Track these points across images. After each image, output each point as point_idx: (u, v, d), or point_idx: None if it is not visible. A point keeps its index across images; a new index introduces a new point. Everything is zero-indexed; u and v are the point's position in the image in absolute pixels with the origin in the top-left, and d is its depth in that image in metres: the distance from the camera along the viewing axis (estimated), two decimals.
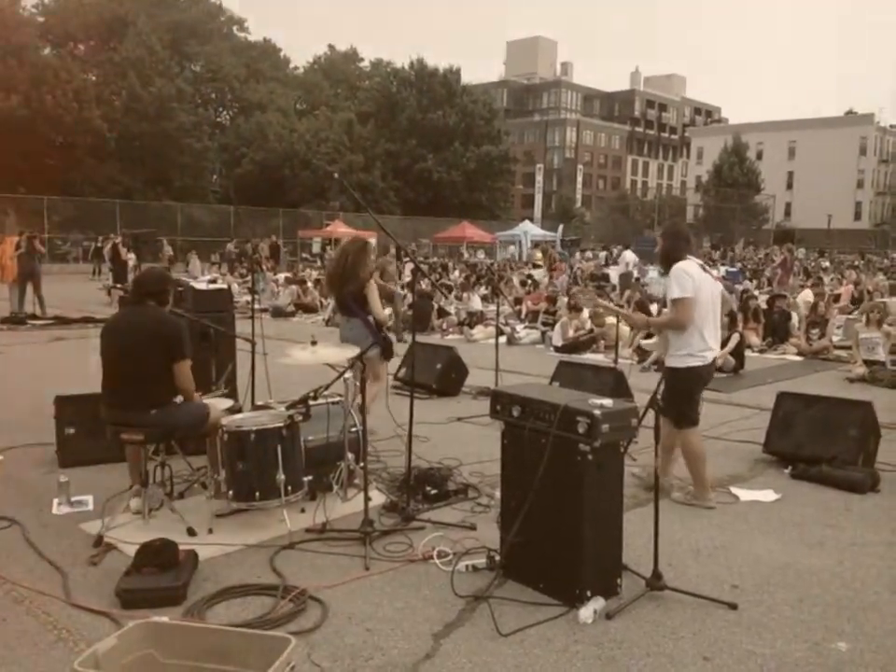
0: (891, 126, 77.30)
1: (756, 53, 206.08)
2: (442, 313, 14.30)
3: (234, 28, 56.88)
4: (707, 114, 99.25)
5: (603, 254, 31.13)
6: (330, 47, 62.09)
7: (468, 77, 58.55)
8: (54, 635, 3.23)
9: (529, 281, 18.57)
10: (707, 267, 5.06)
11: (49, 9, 48.45)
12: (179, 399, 4.41)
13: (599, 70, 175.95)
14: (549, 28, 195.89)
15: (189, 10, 53.02)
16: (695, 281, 4.67)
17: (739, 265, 28.41)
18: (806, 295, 14.33)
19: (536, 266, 27.09)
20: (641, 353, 10.35)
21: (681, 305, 4.66)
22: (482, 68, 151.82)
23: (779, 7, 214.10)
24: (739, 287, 17.85)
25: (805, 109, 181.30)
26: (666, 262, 4.85)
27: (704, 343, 4.75)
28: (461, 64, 74.83)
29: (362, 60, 62.76)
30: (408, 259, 5.89)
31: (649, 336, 10.15)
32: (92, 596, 3.53)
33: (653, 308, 11.52)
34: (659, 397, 3.95)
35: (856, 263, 30.66)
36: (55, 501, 4.69)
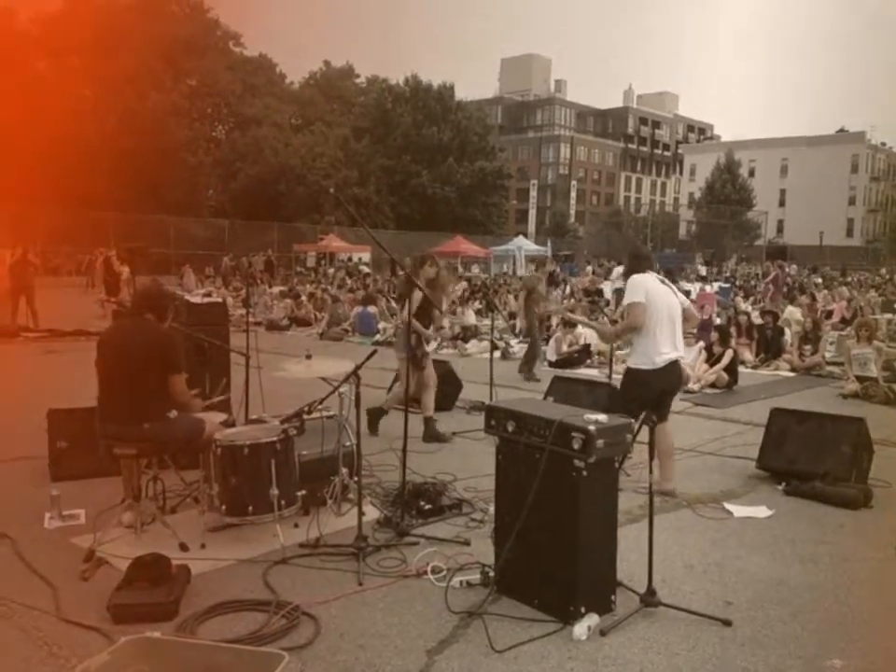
0: (882, 144, 78.03)
1: (748, 71, 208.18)
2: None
3: (230, 43, 57.00)
4: (699, 131, 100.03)
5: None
6: (326, 63, 62.30)
7: (463, 94, 58.97)
8: (45, 650, 3.20)
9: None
10: (668, 281, 5.45)
11: (44, 23, 48.52)
12: (173, 413, 4.38)
13: (593, 87, 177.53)
14: (543, 46, 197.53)
15: (186, 25, 53.14)
16: (648, 289, 5.10)
17: (730, 283, 28.55)
18: (794, 312, 14.39)
19: None
20: None
21: (633, 308, 5.07)
22: (477, 85, 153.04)
23: (771, 26, 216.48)
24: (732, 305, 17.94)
25: (797, 127, 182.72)
26: (627, 276, 5.39)
27: (656, 349, 5.04)
28: (456, 81, 75.39)
29: (358, 76, 63.02)
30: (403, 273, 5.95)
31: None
32: (84, 611, 3.50)
33: None
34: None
35: (846, 280, 30.82)
36: (47, 515, 4.66)
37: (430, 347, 6.77)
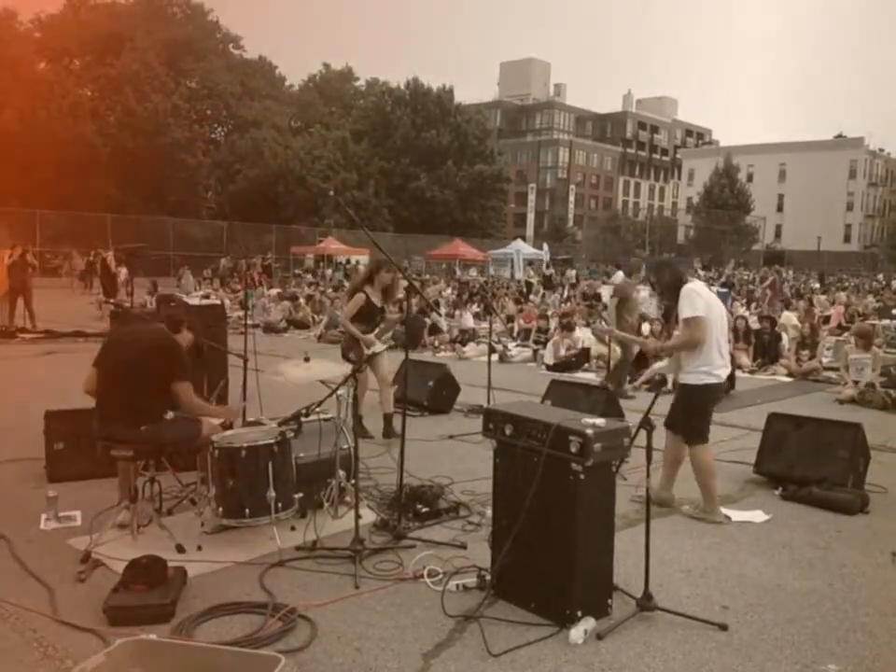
0: (881, 150, 78.25)
1: (747, 76, 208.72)
2: (434, 330, 14.31)
3: (230, 46, 57.15)
4: (698, 136, 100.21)
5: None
6: (326, 65, 62.44)
7: (462, 97, 59.07)
8: (40, 652, 3.20)
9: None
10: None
11: (45, 25, 48.60)
12: (170, 415, 4.38)
13: (592, 92, 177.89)
14: (542, 50, 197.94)
15: (186, 27, 53.26)
16: (707, 301, 4.85)
17: (728, 288, 28.57)
18: (791, 317, 14.41)
19: (528, 283, 27.29)
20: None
21: (695, 323, 4.76)
22: (476, 89, 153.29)
23: (771, 31, 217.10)
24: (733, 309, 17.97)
25: (795, 132, 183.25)
26: (674, 288, 4.93)
27: (721, 360, 4.88)
28: (455, 85, 75.22)
29: (357, 79, 63.17)
30: (402, 275, 5.90)
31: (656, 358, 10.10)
32: (80, 613, 3.50)
33: (645, 326, 11.54)
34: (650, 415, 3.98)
35: (825, 287, 30.85)
36: (43, 516, 4.65)
37: (375, 350, 6.67)
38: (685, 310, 4.79)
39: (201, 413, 4.48)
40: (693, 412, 4.93)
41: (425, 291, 17.84)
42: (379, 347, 6.75)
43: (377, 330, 6.76)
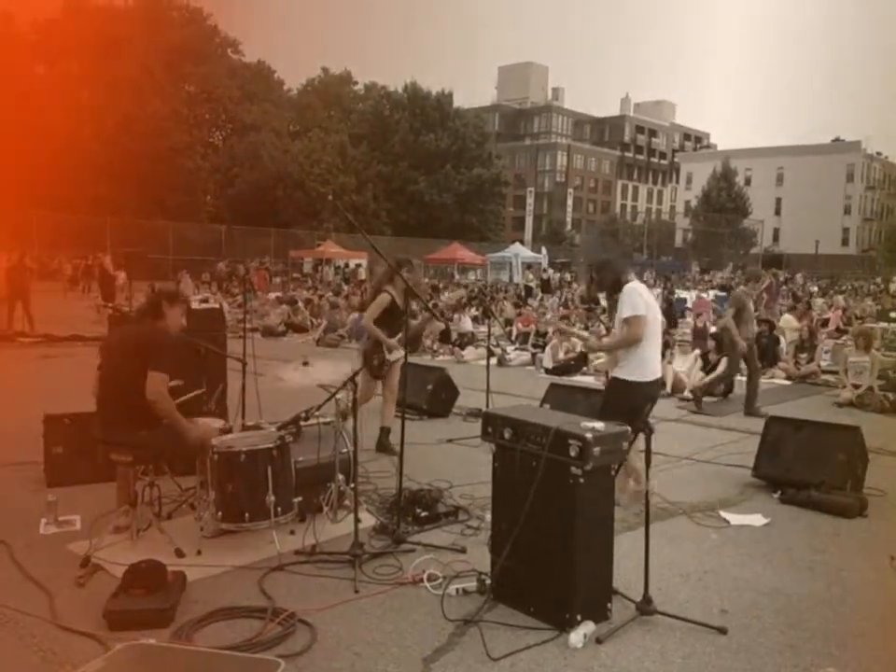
0: (878, 153, 78.40)
1: (745, 80, 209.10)
2: (445, 337, 14.07)
3: (229, 50, 57.15)
4: (696, 140, 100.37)
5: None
6: (324, 69, 62.45)
7: (460, 101, 59.18)
8: (39, 657, 3.19)
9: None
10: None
11: (43, 28, 48.57)
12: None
13: (590, 96, 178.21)
14: (540, 54, 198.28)
15: (185, 32, 53.22)
16: (646, 301, 4.99)
17: (726, 292, 28.60)
18: (789, 321, 14.41)
19: (527, 287, 27.32)
20: None
21: (634, 322, 4.91)
22: (474, 93, 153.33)
23: (768, 36, 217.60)
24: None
25: (793, 136, 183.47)
26: (616, 285, 5.10)
27: (650, 361, 4.99)
28: (454, 89, 75.15)
29: (356, 83, 63.19)
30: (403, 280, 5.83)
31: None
32: (79, 618, 3.49)
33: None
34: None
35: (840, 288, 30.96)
36: (42, 521, 4.65)
37: (396, 356, 6.34)
38: (625, 309, 4.93)
39: (166, 413, 4.22)
40: (608, 403, 4.97)
41: (439, 297, 17.76)
42: (400, 353, 6.29)
43: (399, 335, 6.25)
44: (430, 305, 6.17)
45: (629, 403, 4.83)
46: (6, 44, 39.26)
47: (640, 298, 4.97)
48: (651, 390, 5.08)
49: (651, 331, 4.99)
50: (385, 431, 6.56)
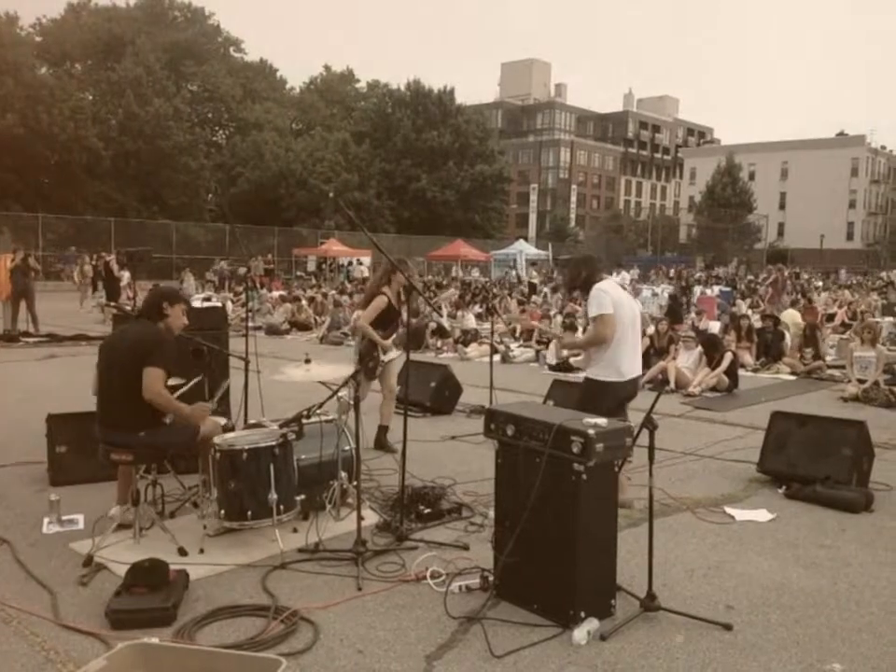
0: (883, 147, 78.10)
1: (748, 75, 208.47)
2: (441, 332, 14.18)
3: (231, 49, 57.22)
4: (699, 135, 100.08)
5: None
6: (326, 67, 62.42)
7: (463, 98, 59.01)
8: (42, 656, 3.19)
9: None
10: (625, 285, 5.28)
11: (46, 29, 48.71)
12: (170, 418, 4.35)
13: (593, 92, 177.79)
14: (543, 50, 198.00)
15: (187, 31, 53.34)
16: (614, 299, 4.90)
17: (731, 287, 28.51)
18: (793, 315, 14.36)
19: (531, 284, 27.29)
20: None
21: (601, 321, 4.86)
22: (477, 89, 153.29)
23: (771, 29, 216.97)
24: (734, 308, 17.96)
25: (797, 130, 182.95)
26: (585, 286, 5.05)
27: (622, 361, 4.91)
28: (456, 86, 75.31)
29: (358, 81, 63.16)
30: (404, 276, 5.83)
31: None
32: (82, 617, 3.50)
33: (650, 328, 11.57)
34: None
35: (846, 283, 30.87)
36: (45, 520, 4.65)
37: (391, 356, 6.42)
38: (592, 308, 4.92)
39: (164, 407, 4.24)
40: (580, 403, 4.81)
41: (440, 295, 17.76)
42: (394, 353, 6.46)
43: (394, 336, 6.43)
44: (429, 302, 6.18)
45: (603, 404, 4.73)
46: (9, 45, 39.33)
47: (607, 296, 4.88)
48: (624, 391, 4.99)
49: (625, 330, 4.90)
50: (382, 429, 6.59)
